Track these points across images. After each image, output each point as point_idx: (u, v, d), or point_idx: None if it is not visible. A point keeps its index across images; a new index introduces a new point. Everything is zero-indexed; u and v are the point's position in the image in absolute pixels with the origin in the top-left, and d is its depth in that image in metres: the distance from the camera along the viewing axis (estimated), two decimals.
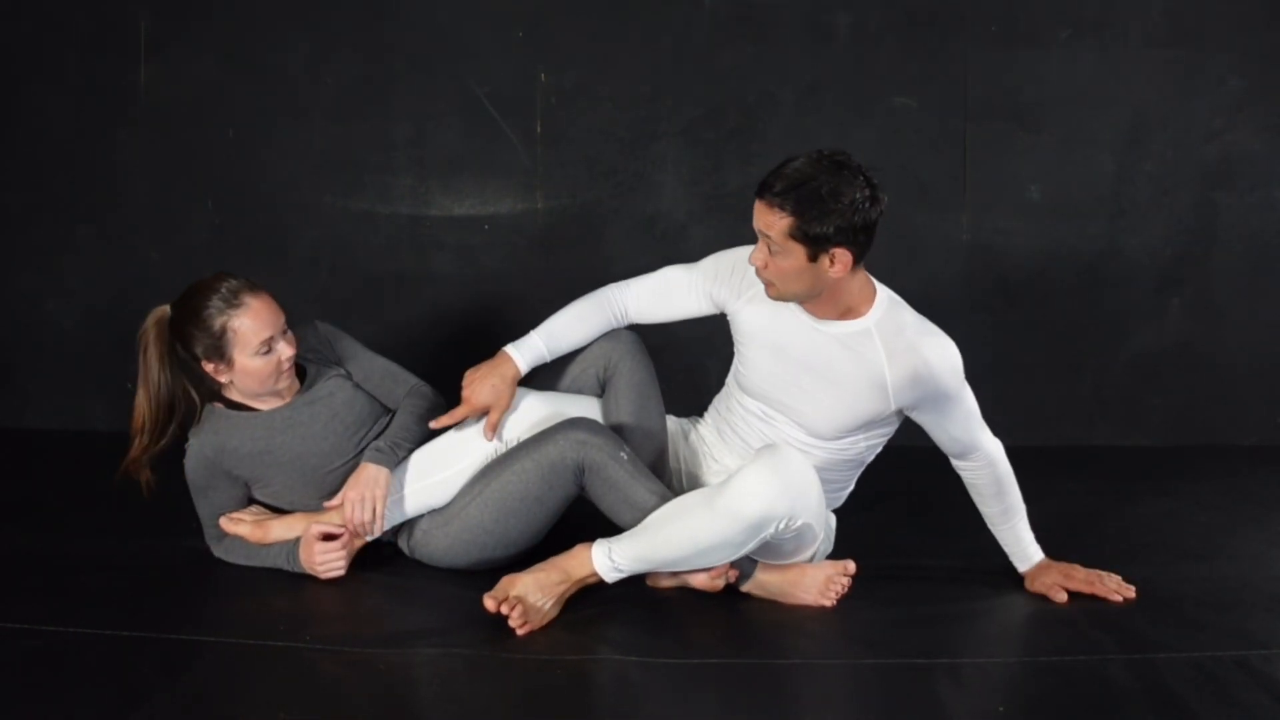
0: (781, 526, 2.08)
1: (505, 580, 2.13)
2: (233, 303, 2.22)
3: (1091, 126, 3.43)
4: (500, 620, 2.07)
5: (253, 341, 2.23)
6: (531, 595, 2.11)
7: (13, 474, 3.09)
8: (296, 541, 2.32)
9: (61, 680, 1.88)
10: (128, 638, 2.03)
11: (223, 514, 2.38)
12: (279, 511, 2.42)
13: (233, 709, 1.81)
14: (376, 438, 2.36)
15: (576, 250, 3.47)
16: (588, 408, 2.39)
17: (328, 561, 2.28)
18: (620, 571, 2.16)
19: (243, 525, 2.37)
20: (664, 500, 2.18)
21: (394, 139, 3.45)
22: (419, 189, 3.47)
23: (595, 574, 2.16)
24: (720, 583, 2.22)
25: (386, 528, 2.35)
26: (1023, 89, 3.42)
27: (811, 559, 2.27)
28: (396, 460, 2.30)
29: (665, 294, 2.41)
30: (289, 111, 3.45)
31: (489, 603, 2.08)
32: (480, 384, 2.31)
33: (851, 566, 2.26)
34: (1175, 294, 3.49)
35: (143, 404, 2.31)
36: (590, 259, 3.45)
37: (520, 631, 2.07)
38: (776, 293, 2.17)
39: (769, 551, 2.19)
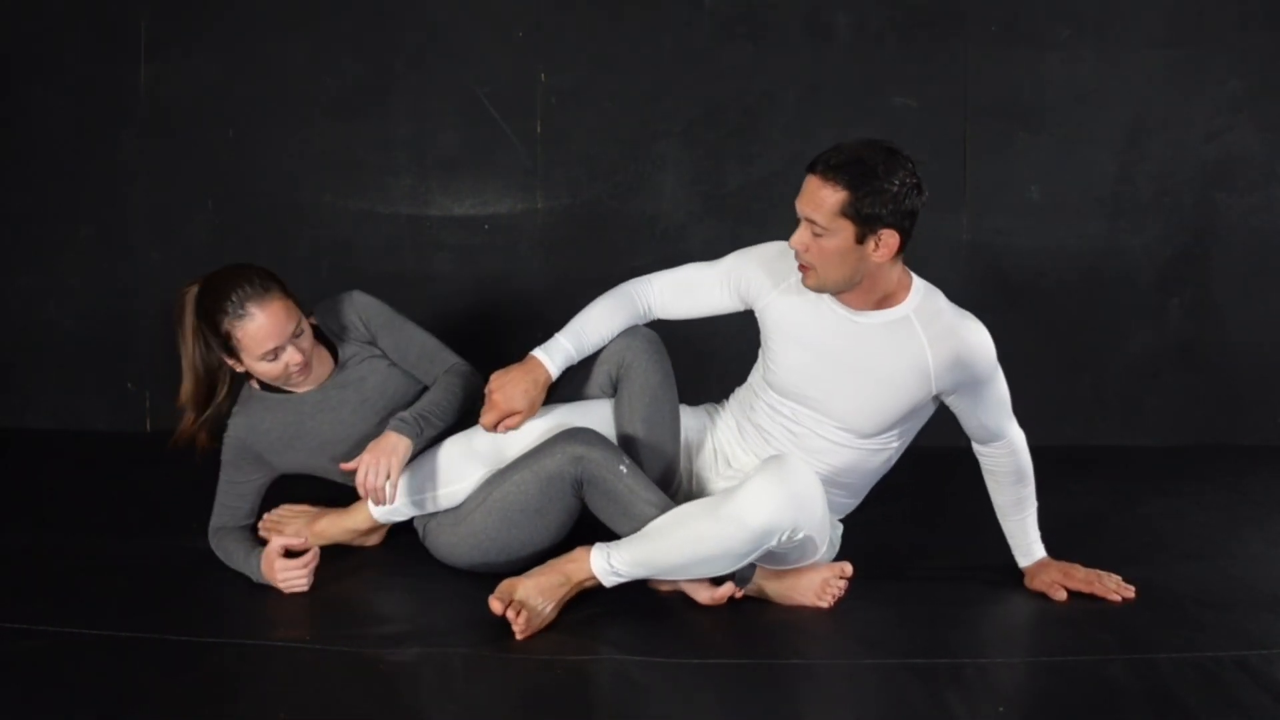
0: (784, 538, 2.07)
1: (506, 584, 2.13)
2: (238, 313, 2.21)
3: (1091, 126, 3.43)
4: (501, 620, 2.07)
5: (256, 351, 2.23)
6: (532, 599, 2.10)
7: (13, 474, 3.09)
8: (261, 551, 2.30)
9: (61, 680, 1.88)
10: (128, 638, 2.03)
11: (240, 496, 2.39)
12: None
13: (233, 709, 1.81)
14: None
15: (576, 250, 3.47)
16: (597, 417, 2.36)
17: (289, 579, 2.25)
18: (619, 576, 2.15)
19: (291, 525, 2.42)
20: (665, 513, 2.16)
21: (394, 139, 3.45)
22: (419, 189, 3.47)
23: (594, 577, 2.16)
24: (723, 597, 2.20)
25: (399, 519, 2.38)
26: (1023, 89, 3.42)
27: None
28: (419, 432, 2.27)
29: (690, 289, 2.37)
30: (289, 111, 3.45)
31: (495, 605, 2.08)
32: (512, 388, 2.26)
33: (849, 569, 2.25)
34: (1175, 294, 3.49)
35: (186, 378, 2.32)
36: (590, 259, 3.45)
37: (520, 635, 2.06)
38: (816, 279, 2.14)
39: (768, 560, 2.19)
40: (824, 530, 2.18)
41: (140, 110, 3.44)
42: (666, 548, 2.10)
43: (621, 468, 2.19)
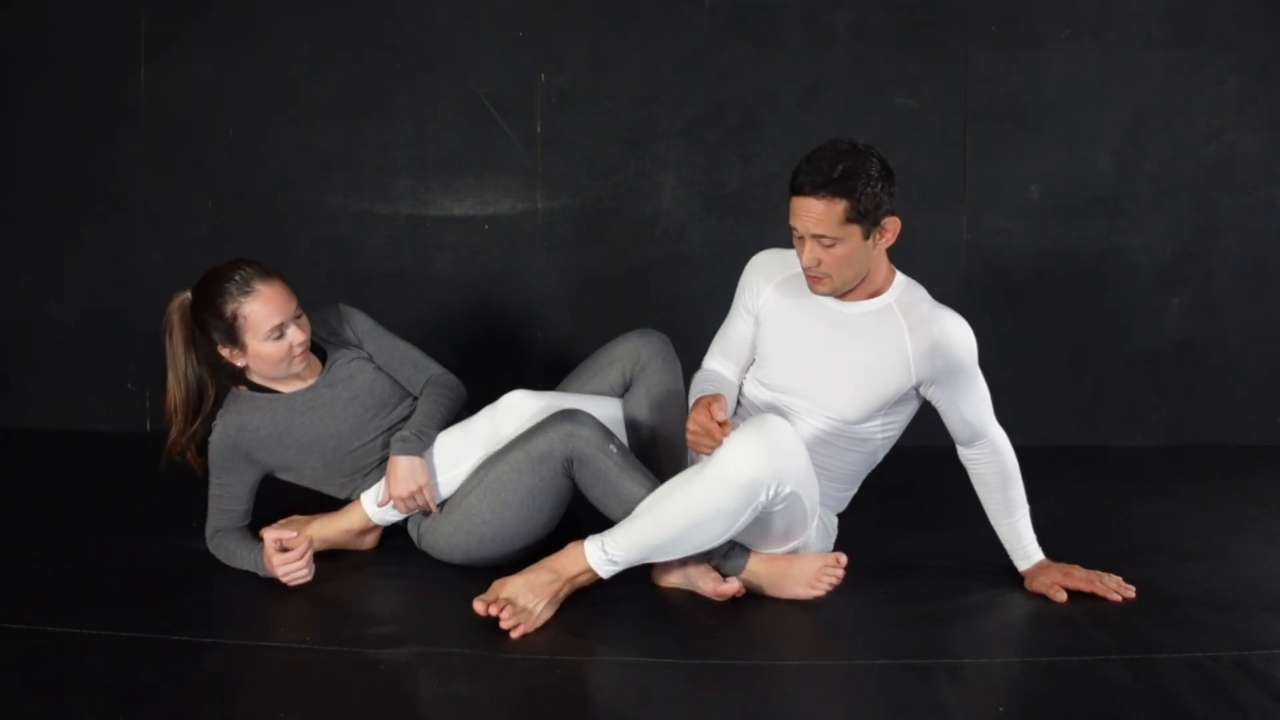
0: (771, 493, 2.07)
1: (496, 583, 2.13)
2: (244, 289, 2.26)
3: (1091, 126, 3.43)
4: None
5: (263, 327, 2.27)
6: (522, 597, 2.11)
7: (13, 474, 3.09)
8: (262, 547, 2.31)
9: (61, 680, 1.88)
10: (128, 638, 2.03)
11: (233, 497, 2.39)
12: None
13: (233, 709, 1.81)
14: (399, 421, 2.41)
15: (576, 250, 3.47)
16: (600, 409, 2.39)
17: (288, 572, 2.26)
18: (615, 564, 2.15)
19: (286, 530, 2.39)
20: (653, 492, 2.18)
21: (394, 139, 3.45)
22: (419, 189, 3.47)
23: (589, 570, 2.15)
24: (728, 593, 2.21)
25: (393, 519, 2.41)
26: (1023, 89, 3.42)
27: (804, 548, 2.27)
28: (424, 446, 2.34)
29: (727, 335, 2.44)
30: (289, 111, 3.45)
31: (478, 606, 2.08)
32: None
33: (844, 558, 2.25)
34: (1175, 294, 3.49)
35: (173, 389, 2.36)
36: (590, 259, 3.45)
37: (514, 634, 2.06)
38: (831, 285, 2.22)
39: (761, 532, 2.19)
40: (811, 489, 2.18)
41: (140, 110, 3.45)
42: (658, 522, 2.10)
43: (611, 447, 2.22)
